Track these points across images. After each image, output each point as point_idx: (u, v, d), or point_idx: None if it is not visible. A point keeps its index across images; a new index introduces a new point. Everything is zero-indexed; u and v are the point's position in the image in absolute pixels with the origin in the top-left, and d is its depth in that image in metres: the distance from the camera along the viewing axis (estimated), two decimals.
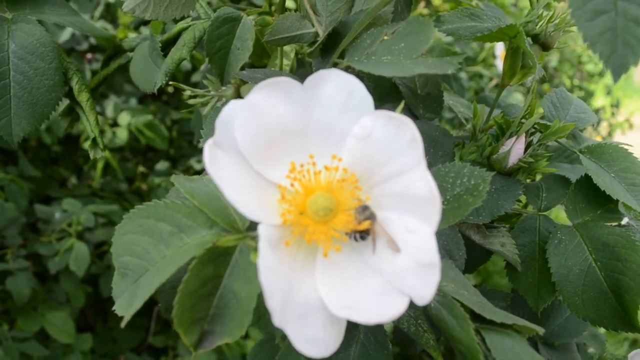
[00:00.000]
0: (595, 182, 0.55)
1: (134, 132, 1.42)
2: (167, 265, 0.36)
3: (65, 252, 1.23)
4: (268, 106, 0.35)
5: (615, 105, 3.19)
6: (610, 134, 3.26)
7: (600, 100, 3.19)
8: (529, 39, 0.59)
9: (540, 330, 0.41)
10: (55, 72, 0.55)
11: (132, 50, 0.60)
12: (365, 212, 0.34)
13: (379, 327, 0.54)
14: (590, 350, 0.89)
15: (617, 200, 0.56)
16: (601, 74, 3.09)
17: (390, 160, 0.34)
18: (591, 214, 0.58)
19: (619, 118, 3.31)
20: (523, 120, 0.56)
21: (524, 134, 0.56)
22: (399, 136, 0.33)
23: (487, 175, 0.42)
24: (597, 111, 3.05)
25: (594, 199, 0.58)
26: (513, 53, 0.58)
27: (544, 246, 0.57)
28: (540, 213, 0.59)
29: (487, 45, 2.04)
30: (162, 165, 1.61)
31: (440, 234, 0.53)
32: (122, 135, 1.42)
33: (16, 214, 1.29)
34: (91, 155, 0.59)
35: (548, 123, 0.57)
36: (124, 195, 1.58)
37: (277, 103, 0.35)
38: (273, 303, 0.30)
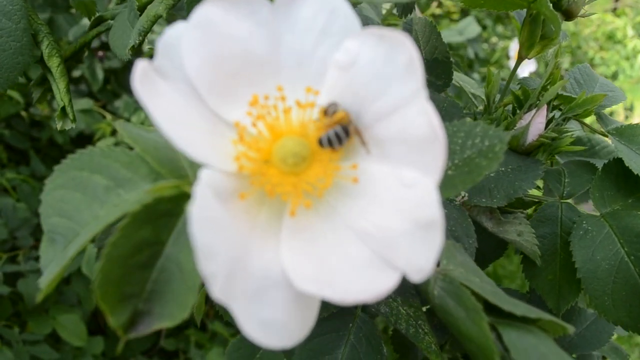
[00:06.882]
0: (627, 164, 0.46)
1: None
2: (98, 228, 0.26)
3: (77, 255, 1.15)
4: (226, 25, 0.25)
5: (629, 108, 3.03)
6: None
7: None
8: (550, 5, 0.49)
9: (571, 329, 0.31)
10: (23, 33, 0.46)
11: (114, 18, 0.52)
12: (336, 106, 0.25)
13: (371, 328, 0.44)
14: None
15: None
16: (614, 77, 2.94)
17: (381, 94, 0.24)
18: (621, 202, 0.48)
19: (633, 121, 3.13)
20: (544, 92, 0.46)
21: (545, 107, 0.45)
22: (392, 61, 0.24)
23: (504, 135, 0.31)
24: (610, 114, 2.90)
25: (624, 185, 0.48)
26: (532, 21, 0.48)
27: (567, 238, 0.47)
28: (562, 200, 0.49)
29: (500, 45, 1.93)
30: None
31: (447, 218, 0.43)
32: None
33: (28, 214, 1.22)
34: (59, 127, 0.50)
35: (573, 95, 0.47)
36: None
37: (238, 22, 0.25)
38: (211, 268, 0.20)
